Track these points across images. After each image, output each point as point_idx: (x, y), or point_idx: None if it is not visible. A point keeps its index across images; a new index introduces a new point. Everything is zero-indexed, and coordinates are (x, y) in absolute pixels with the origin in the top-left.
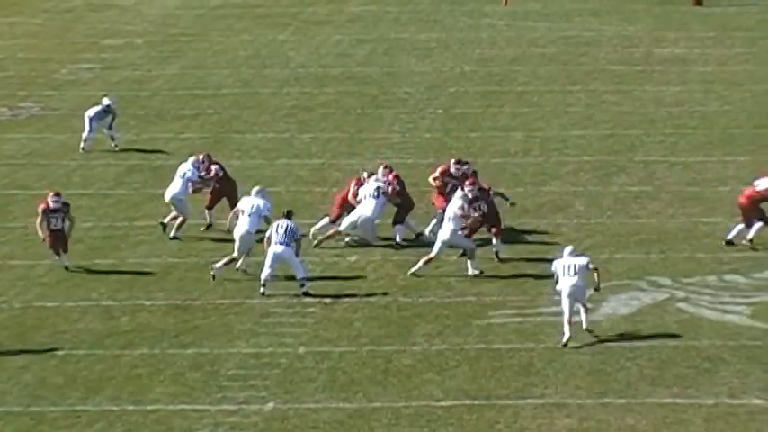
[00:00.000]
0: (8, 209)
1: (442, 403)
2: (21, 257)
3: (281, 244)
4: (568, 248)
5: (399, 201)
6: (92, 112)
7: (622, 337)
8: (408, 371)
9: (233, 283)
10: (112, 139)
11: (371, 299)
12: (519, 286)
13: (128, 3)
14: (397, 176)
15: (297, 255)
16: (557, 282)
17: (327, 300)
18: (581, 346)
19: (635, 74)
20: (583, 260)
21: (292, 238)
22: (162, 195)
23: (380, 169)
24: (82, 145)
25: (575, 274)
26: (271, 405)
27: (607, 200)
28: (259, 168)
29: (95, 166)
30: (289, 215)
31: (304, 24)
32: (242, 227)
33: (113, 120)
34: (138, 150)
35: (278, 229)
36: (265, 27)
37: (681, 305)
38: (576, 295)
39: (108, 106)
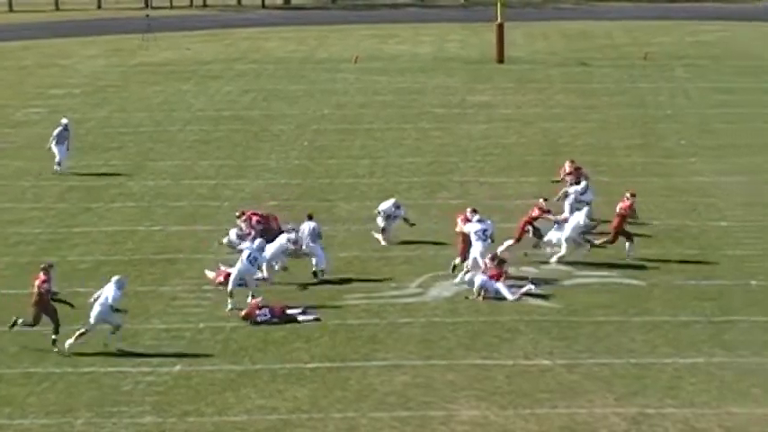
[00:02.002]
0: None
1: (309, 365)
2: None
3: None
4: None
5: None
6: (55, 132)
7: (444, 313)
8: (283, 341)
9: (149, 276)
10: (59, 164)
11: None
12: (367, 275)
13: (67, 62)
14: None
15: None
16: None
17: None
18: (413, 322)
19: (453, 115)
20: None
21: (317, 236)
22: (95, 209)
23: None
24: (56, 168)
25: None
26: (178, 368)
27: (433, 210)
28: (168, 188)
29: (44, 185)
30: (310, 217)
31: (202, 78)
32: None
33: (69, 140)
34: (76, 174)
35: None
36: (173, 80)
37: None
38: None
39: (66, 124)
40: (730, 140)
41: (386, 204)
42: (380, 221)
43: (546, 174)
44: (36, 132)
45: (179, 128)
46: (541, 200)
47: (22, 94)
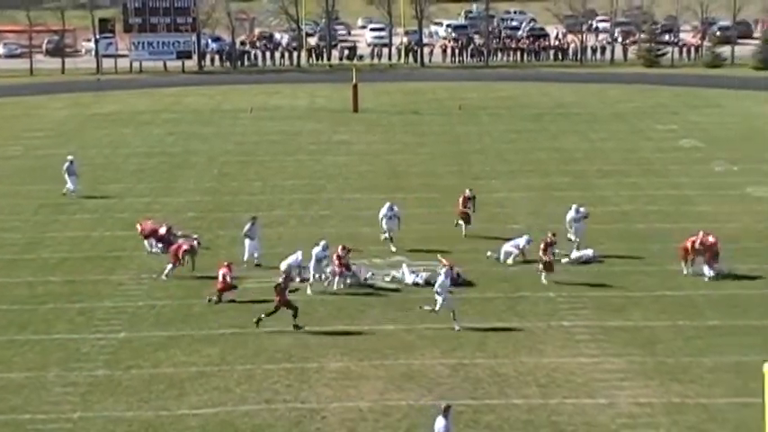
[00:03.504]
0: None
1: (219, 331)
2: None
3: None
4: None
5: None
6: (64, 167)
7: (316, 293)
8: (199, 314)
9: (101, 268)
10: (72, 191)
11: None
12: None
13: (39, 113)
14: None
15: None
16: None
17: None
18: (295, 299)
19: (321, 150)
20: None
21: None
22: (61, 220)
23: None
24: (71, 194)
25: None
26: (122, 334)
27: (307, 219)
28: (115, 204)
29: (21, 203)
30: (254, 219)
31: (138, 124)
32: None
33: (75, 171)
34: (44, 192)
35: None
36: (117, 126)
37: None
38: None
39: (71, 160)
40: (519, 167)
41: (383, 210)
42: (384, 225)
43: (389, 192)
44: (16, 164)
45: (122, 160)
46: (467, 190)
47: (4, 137)
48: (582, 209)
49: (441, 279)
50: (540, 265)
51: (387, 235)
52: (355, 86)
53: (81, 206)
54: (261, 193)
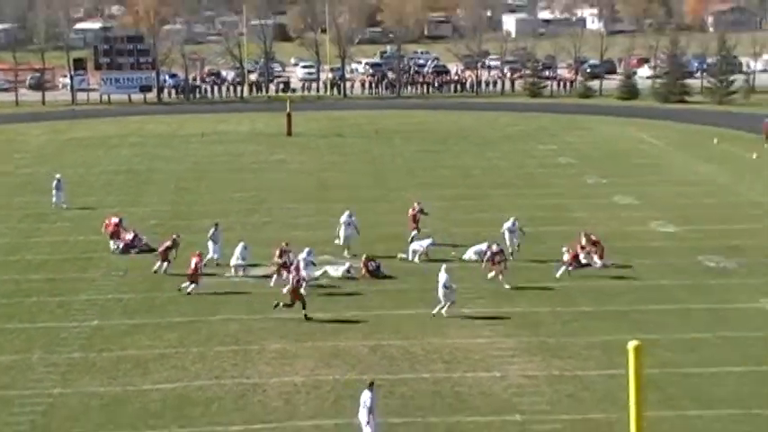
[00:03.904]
0: None
1: (177, 319)
2: None
3: None
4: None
5: None
6: (53, 184)
7: (255, 286)
8: (161, 304)
9: (77, 266)
10: (64, 204)
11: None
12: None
13: (23, 138)
14: None
15: None
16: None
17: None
18: (240, 291)
19: (262, 168)
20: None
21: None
22: (43, 228)
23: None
24: (58, 206)
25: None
26: (95, 322)
27: (249, 226)
28: (89, 213)
29: (8, 214)
30: (216, 225)
31: (108, 147)
32: None
33: (62, 187)
34: (28, 204)
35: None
36: (90, 149)
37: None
38: None
39: (59, 178)
40: (427, 180)
41: (343, 217)
42: (341, 232)
43: (318, 202)
44: (4, 181)
45: (94, 177)
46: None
47: None
48: (517, 222)
49: (444, 276)
50: (494, 274)
51: (340, 241)
52: (289, 114)
53: (60, 216)
54: (212, 203)
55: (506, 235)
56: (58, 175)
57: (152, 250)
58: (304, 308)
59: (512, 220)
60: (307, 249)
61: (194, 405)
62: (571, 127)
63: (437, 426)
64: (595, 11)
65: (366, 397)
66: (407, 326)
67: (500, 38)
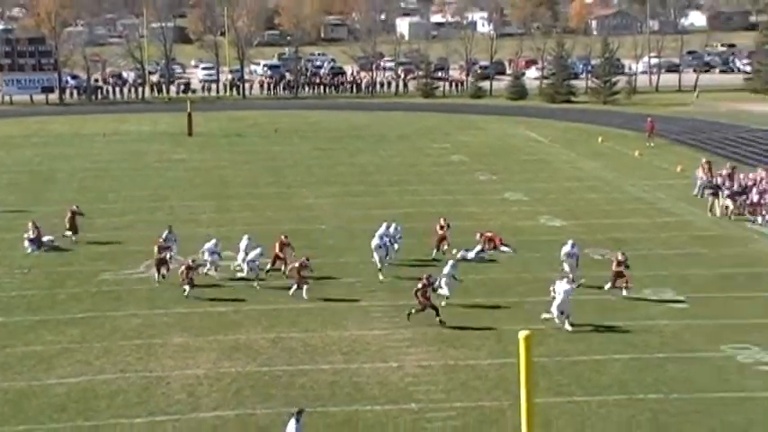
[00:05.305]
0: None
1: (79, 315)
2: None
3: None
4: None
5: None
6: None
7: (162, 282)
8: (63, 301)
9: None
10: None
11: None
12: (117, 261)
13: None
14: None
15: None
16: None
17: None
18: (142, 288)
19: (164, 167)
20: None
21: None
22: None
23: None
24: None
25: None
26: (0, 319)
27: (154, 224)
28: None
29: None
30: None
31: (11, 147)
32: None
33: None
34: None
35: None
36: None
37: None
38: None
39: None
40: (324, 178)
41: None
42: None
43: (218, 199)
44: None
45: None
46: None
47: None
48: (576, 246)
49: (447, 269)
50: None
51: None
52: (190, 115)
53: None
54: (114, 202)
55: (566, 261)
56: None
57: (56, 249)
58: (437, 314)
59: (570, 243)
60: (213, 240)
61: (99, 398)
62: (463, 126)
63: (336, 415)
64: (485, 14)
65: (291, 428)
66: (306, 319)
67: (394, 40)
